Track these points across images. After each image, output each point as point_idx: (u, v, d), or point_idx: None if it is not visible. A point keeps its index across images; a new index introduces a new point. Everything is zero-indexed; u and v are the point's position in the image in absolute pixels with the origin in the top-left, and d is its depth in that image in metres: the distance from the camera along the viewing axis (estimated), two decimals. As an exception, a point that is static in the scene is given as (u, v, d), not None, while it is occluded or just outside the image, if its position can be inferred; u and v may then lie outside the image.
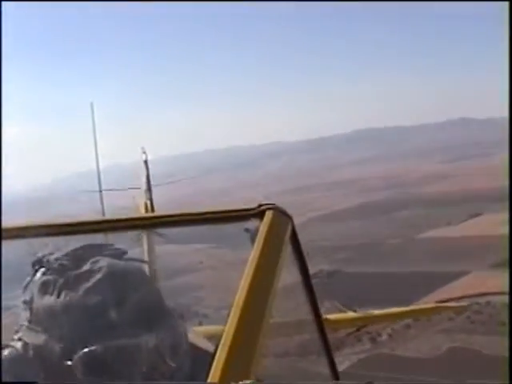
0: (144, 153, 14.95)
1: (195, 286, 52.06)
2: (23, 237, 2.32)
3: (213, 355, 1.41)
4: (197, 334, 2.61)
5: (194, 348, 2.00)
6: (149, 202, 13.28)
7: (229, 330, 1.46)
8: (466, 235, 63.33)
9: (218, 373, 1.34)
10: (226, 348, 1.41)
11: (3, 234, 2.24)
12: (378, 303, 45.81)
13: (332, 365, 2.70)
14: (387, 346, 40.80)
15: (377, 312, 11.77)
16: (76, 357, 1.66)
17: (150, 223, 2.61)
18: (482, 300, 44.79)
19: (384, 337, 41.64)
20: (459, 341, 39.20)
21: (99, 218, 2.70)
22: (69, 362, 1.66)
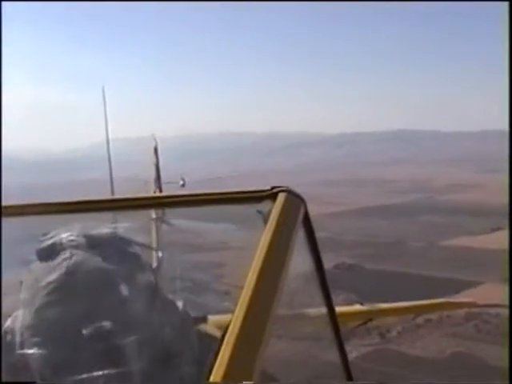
0: (154, 140, 14.80)
1: (216, 263, 52.59)
2: (38, 213, 2.30)
3: (216, 352, 1.37)
4: (208, 324, 2.63)
5: (208, 337, 2.04)
6: (158, 191, 13.28)
7: (236, 319, 1.43)
8: (484, 247, 63.75)
9: (222, 370, 1.31)
10: (231, 342, 1.37)
11: (12, 211, 2.23)
12: (392, 301, 47.21)
13: (345, 362, 2.65)
14: (394, 342, 41.86)
15: (384, 305, 11.74)
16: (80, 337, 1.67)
17: (163, 202, 2.59)
18: (492, 311, 45.54)
19: (393, 333, 42.76)
20: (464, 346, 39.99)
21: (108, 197, 2.64)
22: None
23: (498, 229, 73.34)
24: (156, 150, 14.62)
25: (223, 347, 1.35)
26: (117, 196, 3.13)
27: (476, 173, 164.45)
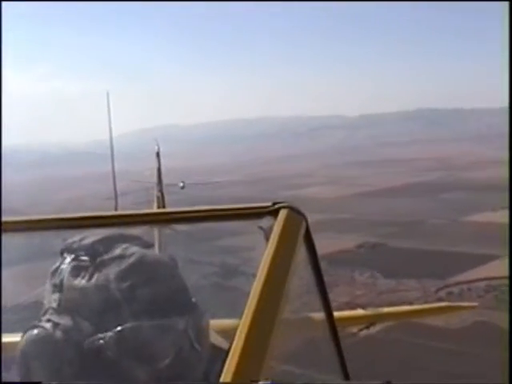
0: (157, 145, 14.96)
1: (244, 247, 49.62)
2: (32, 230, 2.30)
3: (226, 354, 1.42)
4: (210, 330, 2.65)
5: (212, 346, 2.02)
6: (160, 194, 13.72)
7: (242, 329, 1.47)
8: (505, 222, 63.69)
9: (231, 372, 1.35)
10: (239, 349, 1.41)
11: (11, 226, 2.20)
12: (415, 276, 48.47)
13: (342, 364, 2.64)
14: (418, 315, 43.15)
15: (385, 310, 11.90)
16: (107, 336, 1.70)
17: (161, 219, 2.52)
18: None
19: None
20: (485, 316, 40.91)
21: (110, 212, 2.56)
22: (100, 341, 1.70)
23: (520, 204, 73.54)
24: (158, 154, 14.61)
25: (227, 363, 1.39)
26: (116, 212, 3.15)
27: (498, 150, 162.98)
